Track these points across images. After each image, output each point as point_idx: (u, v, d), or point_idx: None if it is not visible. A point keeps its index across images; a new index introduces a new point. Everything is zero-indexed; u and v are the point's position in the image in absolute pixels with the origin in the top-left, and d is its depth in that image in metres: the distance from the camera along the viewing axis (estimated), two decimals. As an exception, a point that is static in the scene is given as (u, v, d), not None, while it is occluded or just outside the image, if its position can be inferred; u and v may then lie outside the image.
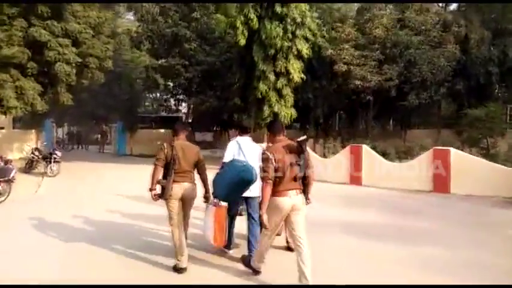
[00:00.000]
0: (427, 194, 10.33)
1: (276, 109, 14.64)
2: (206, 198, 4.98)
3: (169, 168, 4.63)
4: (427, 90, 16.92)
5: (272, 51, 14.04)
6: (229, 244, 5.19)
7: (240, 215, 5.54)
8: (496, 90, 22.52)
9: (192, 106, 20.94)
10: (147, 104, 38.61)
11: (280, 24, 13.98)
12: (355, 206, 8.96)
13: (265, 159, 4.02)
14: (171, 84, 21.92)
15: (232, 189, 4.66)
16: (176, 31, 18.77)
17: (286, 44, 13.96)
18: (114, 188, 11.25)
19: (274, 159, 3.96)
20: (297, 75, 14.55)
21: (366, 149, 11.86)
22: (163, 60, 19.42)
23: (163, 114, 32.12)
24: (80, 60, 14.68)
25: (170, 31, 18.93)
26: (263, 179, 4.04)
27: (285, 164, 3.99)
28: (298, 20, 13.93)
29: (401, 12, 17.80)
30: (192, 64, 18.94)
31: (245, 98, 18.57)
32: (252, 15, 13.91)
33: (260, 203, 4.16)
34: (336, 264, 4.95)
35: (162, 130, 27.30)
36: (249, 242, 4.90)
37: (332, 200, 9.70)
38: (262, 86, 14.47)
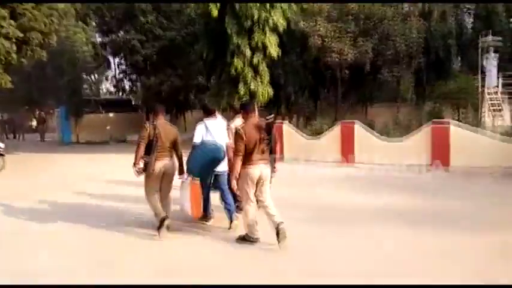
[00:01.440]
0: (427, 169, 9.90)
1: (252, 87, 13.48)
2: (180, 171, 5.52)
3: (152, 146, 5.09)
4: (399, 64, 16.63)
5: (248, 23, 12.75)
6: (208, 216, 5.71)
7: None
8: (454, 65, 23.02)
9: (147, 87, 18.98)
10: (84, 86, 35.53)
11: (256, -8, 12.73)
12: (365, 188, 8.27)
13: (237, 136, 4.63)
14: (124, 62, 19.79)
15: (204, 166, 5.24)
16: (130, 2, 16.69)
17: (264, 14, 12.75)
18: (74, 181, 9.96)
19: (245, 135, 4.54)
20: (273, 50, 13.43)
21: (358, 126, 11.18)
22: (118, 35, 17.27)
23: (111, 97, 29.60)
24: (21, 35, 12.41)
25: (122, 2, 16.77)
26: (234, 152, 4.72)
27: (255, 139, 4.58)
28: (276, -13, 12.77)
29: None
30: (149, 40, 17.03)
31: (211, 76, 17.26)
32: (225, -18, 12.51)
33: (230, 173, 5.00)
34: (409, 263, 4.17)
35: (111, 114, 25.00)
36: (227, 210, 5.48)
37: (335, 182, 9.03)
38: (237, 62, 13.20)
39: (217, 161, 5.28)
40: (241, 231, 5.02)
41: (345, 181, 9.19)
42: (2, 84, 13.35)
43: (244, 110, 4.96)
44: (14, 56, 12.49)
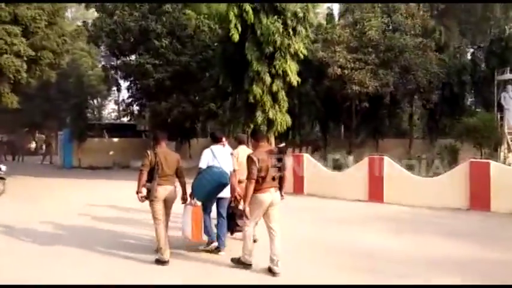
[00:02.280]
0: (466, 212, 9.12)
1: (270, 115, 12.89)
2: (183, 199, 5.56)
3: (153, 173, 5.19)
4: (415, 97, 16.18)
5: (270, 49, 12.28)
6: (219, 242, 5.63)
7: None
8: (467, 101, 22.62)
9: (157, 112, 18.39)
10: (88, 110, 35.13)
11: (279, 19, 12.33)
12: (399, 230, 7.39)
13: (250, 162, 4.64)
14: (134, 86, 19.26)
15: (209, 191, 5.34)
16: (145, 25, 16.30)
17: (286, 41, 12.30)
18: (77, 207, 9.54)
19: (258, 162, 4.58)
20: (294, 77, 12.93)
21: (387, 161, 10.48)
22: (131, 58, 16.80)
23: (115, 121, 29.15)
24: (32, 53, 11.87)
25: (137, 25, 16.40)
26: (248, 178, 4.72)
27: (267, 166, 4.65)
28: (300, 14, 12.36)
29: (388, 16, 16.94)
30: (163, 64, 16.56)
31: (223, 103, 16.75)
32: (248, 7, 12.10)
33: (243, 198, 4.85)
34: None
35: (115, 139, 24.31)
36: (218, 237, 5.61)
37: (366, 223, 8.20)
38: (256, 89, 12.64)
39: (222, 185, 5.39)
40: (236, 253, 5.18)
41: (377, 221, 8.37)
42: (8, 104, 12.75)
43: (254, 137, 5.10)
44: (24, 75, 11.90)
